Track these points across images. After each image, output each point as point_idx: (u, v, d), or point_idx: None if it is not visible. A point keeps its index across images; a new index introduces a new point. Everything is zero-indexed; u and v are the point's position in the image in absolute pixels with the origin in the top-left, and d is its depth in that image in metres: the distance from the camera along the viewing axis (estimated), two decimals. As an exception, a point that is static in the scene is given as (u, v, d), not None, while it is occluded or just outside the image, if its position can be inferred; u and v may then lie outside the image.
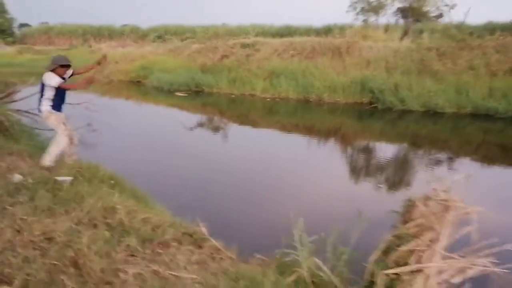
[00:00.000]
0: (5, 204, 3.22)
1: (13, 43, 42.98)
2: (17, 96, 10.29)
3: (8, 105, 8.46)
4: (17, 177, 3.88)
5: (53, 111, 5.34)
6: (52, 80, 5.18)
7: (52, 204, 3.35)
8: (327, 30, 28.90)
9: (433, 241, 2.96)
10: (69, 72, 5.46)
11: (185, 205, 5.07)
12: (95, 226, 3.14)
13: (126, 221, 3.24)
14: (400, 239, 3.14)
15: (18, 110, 8.92)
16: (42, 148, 7.94)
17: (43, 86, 5.25)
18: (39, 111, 5.39)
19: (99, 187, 4.11)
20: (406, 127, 14.75)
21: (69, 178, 4.11)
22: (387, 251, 3.13)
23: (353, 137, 13.75)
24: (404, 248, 3.01)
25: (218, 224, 4.07)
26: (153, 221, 3.38)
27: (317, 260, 3.15)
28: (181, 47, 27.45)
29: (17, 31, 51.71)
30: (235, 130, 14.04)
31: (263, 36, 29.99)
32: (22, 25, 59.21)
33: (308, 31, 30.94)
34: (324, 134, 13.80)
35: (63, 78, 5.31)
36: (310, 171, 8.88)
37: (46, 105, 5.29)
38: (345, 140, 13.12)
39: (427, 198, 3.14)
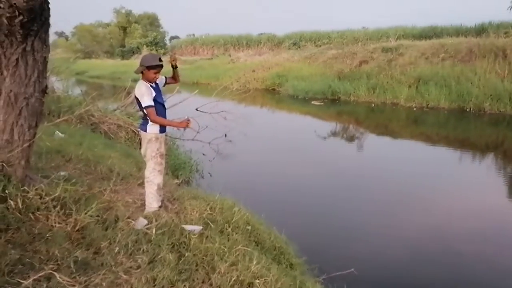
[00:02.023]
0: (119, 268, 2.59)
1: (164, 54, 47.28)
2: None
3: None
4: (141, 222, 3.32)
5: (160, 134, 3.93)
6: (144, 98, 3.76)
7: (175, 275, 2.63)
8: (480, 30, 25.15)
9: None
10: (162, 78, 4.11)
11: (333, 258, 4.07)
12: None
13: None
14: None
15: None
16: (179, 167, 7.74)
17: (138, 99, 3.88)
18: (143, 130, 3.94)
19: (233, 241, 3.34)
20: None
21: (198, 228, 3.43)
22: None
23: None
24: None
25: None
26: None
27: None
28: (317, 54, 26.69)
29: (168, 43, 57.02)
30: (374, 143, 12.54)
31: (405, 38, 27.62)
32: (173, 38, 65.45)
33: (457, 31, 27.32)
34: (482, 149, 11.63)
35: (155, 84, 3.93)
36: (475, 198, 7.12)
37: (153, 125, 3.86)
38: (510, 158, 10.74)
39: None
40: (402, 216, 6.39)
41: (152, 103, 3.78)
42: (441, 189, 7.81)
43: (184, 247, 3.07)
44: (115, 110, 11.12)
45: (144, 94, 3.78)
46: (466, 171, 9.38)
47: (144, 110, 3.82)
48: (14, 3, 2.81)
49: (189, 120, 3.90)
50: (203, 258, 2.94)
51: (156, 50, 47.03)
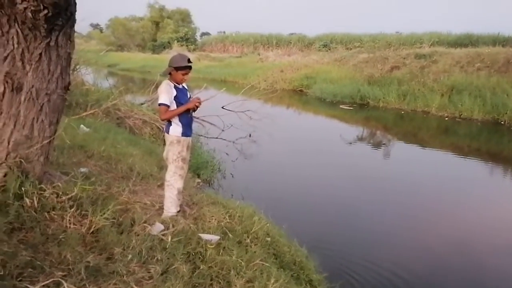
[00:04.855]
0: (131, 278, 2.47)
1: (194, 50, 47.54)
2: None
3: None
4: (157, 228, 3.21)
5: (183, 137, 3.73)
6: (161, 95, 3.62)
7: (187, 290, 2.50)
8: (517, 39, 24.24)
9: None
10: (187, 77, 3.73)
11: (356, 277, 3.84)
12: None
13: None
14: None
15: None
16: (201, 166, 7.65)
17: None
18: (166, 131, 3.79)
19: (251, 254, 3.19)
20: None
21: (216, 238, 3.29)
22: None
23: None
24: None
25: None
26: None
27: None
28: (347, 57, 26.25)
29: (199, 39, 57.37)
30: (403, 151, 12.14)
31: (439, 45, 26.87)
32: (204, 34, 65.82)
33: (494, 40, 26.37)
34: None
35: (181, 86, 3.74)
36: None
37: (176, 127, 3.70)
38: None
39: None
40: (432, 233, 6.08)
41: (166, 102, 3.61)
42: (471, 204, 7.47)
43: (199, 258, 2.94)
44: (142, 104, 11.16)
45: (163, 92, 3.64)
46: (498, 186, 8.98)
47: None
48: (40, -3, 2.74)
49: (198, 98, 3.74)
50: (218, 272, 2.80)
51: (187, 46, 47.34)
